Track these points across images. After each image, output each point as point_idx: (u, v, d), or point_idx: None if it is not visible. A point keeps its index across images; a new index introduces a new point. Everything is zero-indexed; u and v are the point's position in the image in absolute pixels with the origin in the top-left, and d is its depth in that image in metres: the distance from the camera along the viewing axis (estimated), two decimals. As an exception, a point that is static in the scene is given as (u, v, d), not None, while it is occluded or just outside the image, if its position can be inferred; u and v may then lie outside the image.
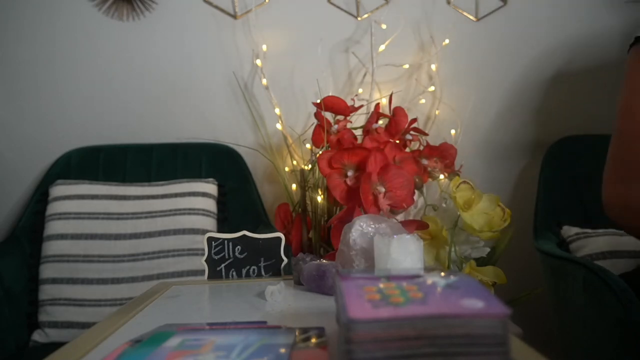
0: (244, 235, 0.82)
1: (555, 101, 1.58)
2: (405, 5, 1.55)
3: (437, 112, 1.56)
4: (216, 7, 1.53)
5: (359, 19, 1.55)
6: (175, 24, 1.53)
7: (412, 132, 1.21)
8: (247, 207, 1.43)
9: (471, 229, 1.01)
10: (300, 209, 1.29)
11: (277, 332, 0.49)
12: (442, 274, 0.45)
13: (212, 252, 0.81)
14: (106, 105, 1.52)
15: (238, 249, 0.81)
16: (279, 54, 1.54)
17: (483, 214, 1.01)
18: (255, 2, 1.52)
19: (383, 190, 0.94)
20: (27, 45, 1.49)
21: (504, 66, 1.58)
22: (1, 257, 1.23)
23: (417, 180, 1.08)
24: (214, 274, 0.81)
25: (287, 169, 1.49)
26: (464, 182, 1.04)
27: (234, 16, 1.53)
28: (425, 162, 1.17)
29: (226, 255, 0.81)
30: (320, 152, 1.09)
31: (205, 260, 0.81)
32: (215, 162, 1.47)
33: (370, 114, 1.24)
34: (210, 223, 1.34)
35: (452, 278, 0.43)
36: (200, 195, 1.36)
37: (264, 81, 1.51)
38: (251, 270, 0.81)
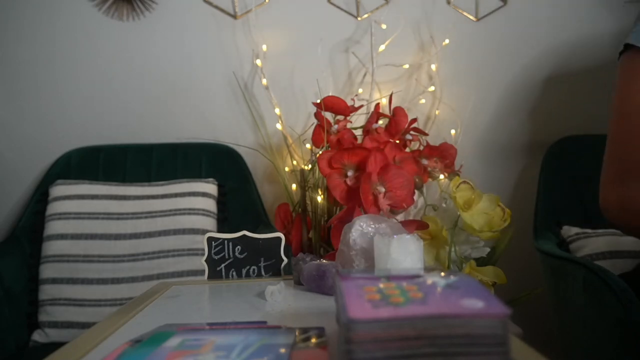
0: (244, 235, 0.82)
1: (555, 101, 1.58)
2: (405, 5, 1.55)
3: (437, 112, 1.56)
4: (216, 7, 1.53)
5: (359, 19, 1.55)
6: (175, 24, 1.53)
7: (412, 132, 1.21)
8: (247, 207, 1.43)
9: (471, 229, 1.01)
10: (300, 209, 1.29)
11: (277, 332, 0.49)
12: (442, 274, 0.45)
13: (212, 252, 0.81)
14: (106, 105, 1.52)
15: (238, 249, 0.81)
16: (279, 54, 1.54)
17: (483, 214, 1.01)
18: (255, 2, 1.52)
19: (383, 190, 0.94)
20: (27, 45, 1.49)
21: (504, 66, 1.59)
22: (1, 257, 1.24)
23: (417, 180, 1.08)
24: (214, 274, 0.81)
25: (287, 169, 1.49)
26: (464, 182, 1.04)
27: (234, 16, 1.53)
28: (425, 162, 1.17)
29: (226, 255, 0.81)
30: (320, 152, 1.09)
31: (205, 260, 0.81)
32: (215, 162, 1.47)
33: (370, 114, 1.24)
34: (210, 223, 1.34)
35: (452, 278, 0.43)
36: (200, 195, 1.36)
37: (264, 81, 1.51)
38: (251, 270, 0.81)
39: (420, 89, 1.55)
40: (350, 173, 0.99)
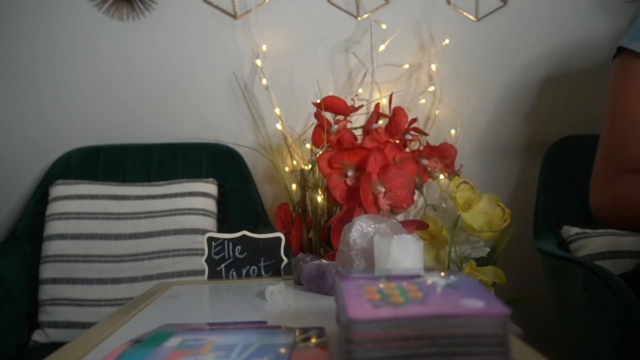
0: (244, 235, 0.82)
1: (555, 101, 1.58)
2: (405, 5, 1.55)
3: (437, 112, 1.56)
4: (216, 7, 1.53)
5: (359, 19, 1.55)
6: (175, 24, 1.53)
7: (412, 132, 1.21)
8: (247, 207, 1.43)
9: (471, 229, 1.01)
10: (300, 209, 1.29)
11: (277, 332, 0.49)
12: (442, 274, 0.45)
13: (212, 252, 0.81)
14: (106, 105, 1.52)
15: (238, 249, 0.81)
16: (279, 54, 1.54)
17: (483, 214, 1.01)
18: (255, 2, 1.52)
19: (383, 190, 0.94)
20: (27, 45, 1.49)
21: (504, 66, 1.58)
22: (1, 257, 1.24)
23: (417, 180, 1.08)
24: (214, 274, 0.81)
25: (287, 169, 1.49)
26: (464, 182, 1.04)
27: (234, 16, 1.53)
28: (425, 162, 1.17)
29: (226, 255, 0.81)
30: (320, 152, 1.09)
31: (205, 260, 0.81)
32: (215, 162, 1.47)
33: (370, 114, 1.24)
34: (210, 223, 1.34)
35: (452, 278, 0.43)
36: (200, 195, 1.36)
37: (264, 81, 1.51)
38: (251, 270, 0.81)
39: (420, 89, 1.55)
40: (350, 173, 0.99)
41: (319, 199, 1.25)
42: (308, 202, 1.29)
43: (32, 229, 1.33)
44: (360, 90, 1.52)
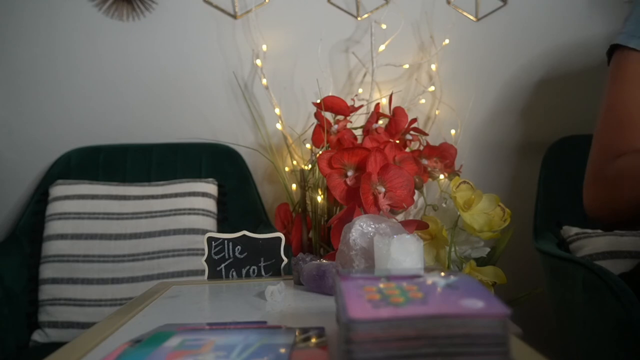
0: (244, 235, 0.82)
1: (555, 101, 1.58)
2: (405, 5, 1.55)
3: (437, 112, 1.56)
4: (216, 7, 1.53)
5: (359, 19, 1.55)
6: (175, 24, 1.53)
7: (412, 132, 1.21)
8: (247, 207, 1.43)
9: (471, 229, 1.01)
10: (300, 209, 1.29)
11: (277, 332, 0.49)
12: (442, 274, 0.45)
13: (212, 252, 0.81)
14: (106, 105, 1.52)
15: (238, 249, 0.81)
16: (279, 54, 1.54)
17: (483, 214, 1.01)
18: (255, 2, 1.52)
19: (383, 190, 0.94)
20: (27, 45, 1.49)
21: (504, 66, 1.58)
22: (1, 257, 1.24)
23: (417, 180, 1.07)
24: (214, 274, 0.81)
25: (287, 169, 1.49)
26: (464, 182, 1.04)
27: (234, 16, 1.53)
28: (425, 162, 1.17)
29: (226, 255, 0.81)
30: (320, 152, 1.09)
31: (205, 260, 0.81)
32: (215, 162, 1.47)
33: (370, 114, 1.24)
34: (210, 223, 1.34)
35: (452, 278, 0.43)
36: (200, 195, 1.36)
37: (264, 81, 1.51)
38: (251, 270, 0.81)
39: (420, 89, 1.55)
40: (350, 173, 0.99)
41: (319, 199, 1.25)
42: (308, 202, 1.29)
43: (32, 229, 1.33)
44: (360, 90, 1.52)
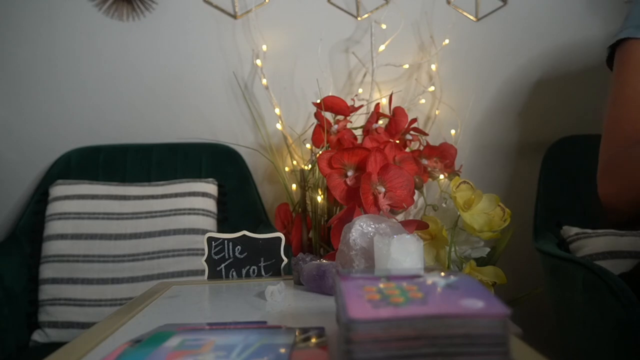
0: (244, 235, 0.82)
1: (555, 101, 1.58)
2: (405, 5, 1.55)
3: (437, 112, 1.56)
4: (216, 7, 1.53)
5: (359, 19, 1.55)
6: (175, 24, 1.53)
7: (412, 132, 1.21)
8: (247, 207, 1.43)
9: (471, 229, 1.01)
10: (300, 209, 1.29)
11: (277, 332, 0.49)
12: (442, 274, 0.45)
13: (212, 252, 0.81)
14: (106, 105, 1.52)
15: (238, 249, 0.81)
16: (279, 54, 1.54)
17: (483, 214, 1.01)
18: (255, 2, 1.52)
19: (383, 190, 0.94)
20: (27, 45, 1.49)
21: (504, 66, 1.59)
22: (1, 257, 1.24)
23: (417, 180, 1.07)
24: (214, 274, 0.81)
25: (287, 169, 1.49)
26: (464, 182, 1.04)
27: (234, 16, 1.53)
28: (425, 162, 1.17)
29: (226, 255, 0.81)
30: (320, 152, 1.09)
31: (205, 260, 0.81)
32: (215, 162, 1.47)
33: (370, 114, 1.24)
34: (210, 223, 1.34)
35: (452, 278, 0.43)
36: (200, 195, 1.36)
37: (264, 81, 1.51)
38: (251, 270, 0.81)
39: (420, 89, 1.55)
40: (350, 173, 0.99)
41: (319, 199, 1.25)
42: (308, 202, 1.29)
43: (32, 229, 1.33)
44: (360, 90, 1.52)
